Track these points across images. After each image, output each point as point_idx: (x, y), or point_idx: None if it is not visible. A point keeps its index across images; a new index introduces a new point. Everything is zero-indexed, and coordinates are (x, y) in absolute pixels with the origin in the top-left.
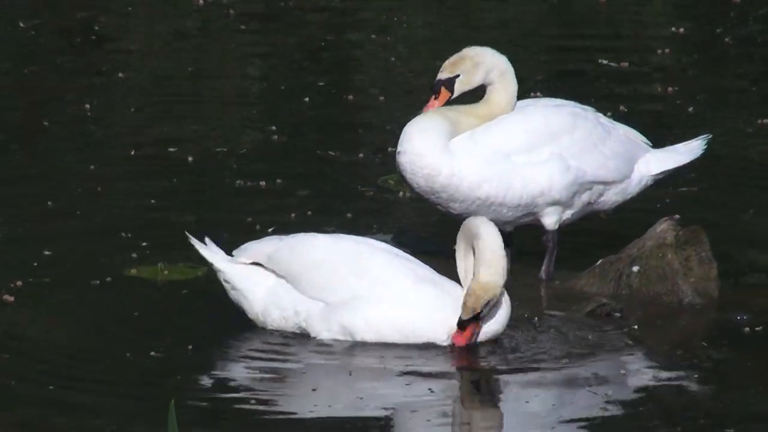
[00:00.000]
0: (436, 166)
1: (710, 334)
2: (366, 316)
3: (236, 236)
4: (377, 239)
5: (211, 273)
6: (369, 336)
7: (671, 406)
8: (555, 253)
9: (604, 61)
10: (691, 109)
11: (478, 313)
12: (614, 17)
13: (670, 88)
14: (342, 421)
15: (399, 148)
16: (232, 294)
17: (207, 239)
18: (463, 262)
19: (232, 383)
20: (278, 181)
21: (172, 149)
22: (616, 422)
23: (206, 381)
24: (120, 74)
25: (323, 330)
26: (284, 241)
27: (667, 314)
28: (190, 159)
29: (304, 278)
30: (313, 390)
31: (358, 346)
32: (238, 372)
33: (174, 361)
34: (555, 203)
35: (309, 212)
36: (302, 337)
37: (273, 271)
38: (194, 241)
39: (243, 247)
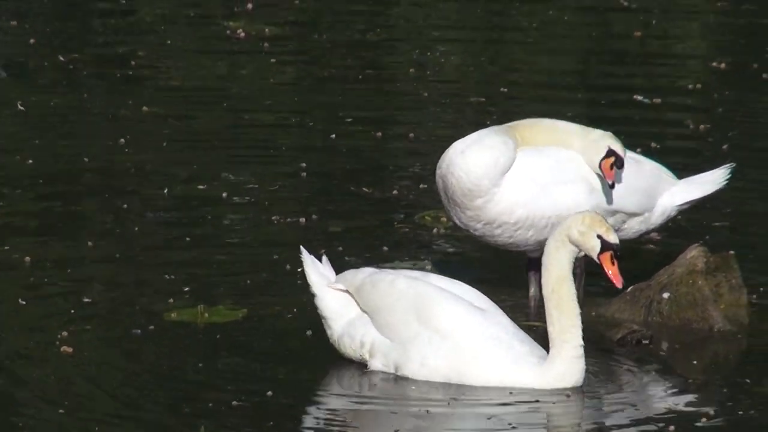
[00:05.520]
0: (482, 189)
1: (741, 361)
2: (420, 360)
3: (268, 275)
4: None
5: (251, 313)
6: (420, 376)
7: None
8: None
9: (639, 97)
10: (725, 146)
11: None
12: (650, 52)
13: (702, 126)
14: None
15: (461, 151)
16: (321, 316)
17: (324, 258)
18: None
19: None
20: (314, 217)
21: (201, 186)
22: None
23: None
24: (153, 109)
25: (378, 363)
26: (371, 276)
27: (698, 341)
28: (224, 195)
29: (379, 316)
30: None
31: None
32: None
33: (250, 410)
34: None
35: (340, 248)
36: (360, 375)
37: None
38: (305, 258)
39: (342, 274)
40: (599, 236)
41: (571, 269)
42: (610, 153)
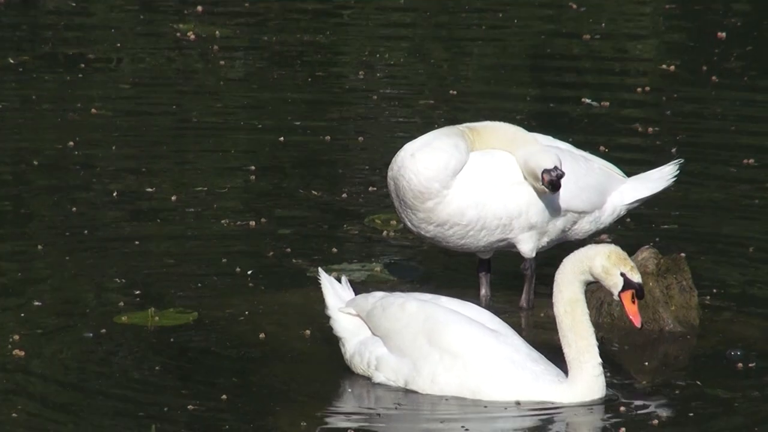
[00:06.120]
0: (433, 191)
1: (691, 362)
2: (431, 377)
3: (219, 278)
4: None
5: (201, 316)
6: (430, 392)
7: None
8: (534, 281)
9: (587, 100)
10: (673, 149)
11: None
12: (599, 55)
13: (651, 128)
14: None
15: (411, 154)
16: (336, 336)
17: (344, 278)
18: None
19: None
20: (263, 220)
21: (151, 189)
22: None
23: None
24: (103, 111)
25: (387, 378)
26: (381, 300)
27: (649, 342)
28: (173, 198)
29: (390, 340)
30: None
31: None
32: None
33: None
34: (531, 228)
35: (288, 250)
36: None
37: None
38: (324, 279)
39: (353, 298)
40: (623, 274)
41: (583, 292)
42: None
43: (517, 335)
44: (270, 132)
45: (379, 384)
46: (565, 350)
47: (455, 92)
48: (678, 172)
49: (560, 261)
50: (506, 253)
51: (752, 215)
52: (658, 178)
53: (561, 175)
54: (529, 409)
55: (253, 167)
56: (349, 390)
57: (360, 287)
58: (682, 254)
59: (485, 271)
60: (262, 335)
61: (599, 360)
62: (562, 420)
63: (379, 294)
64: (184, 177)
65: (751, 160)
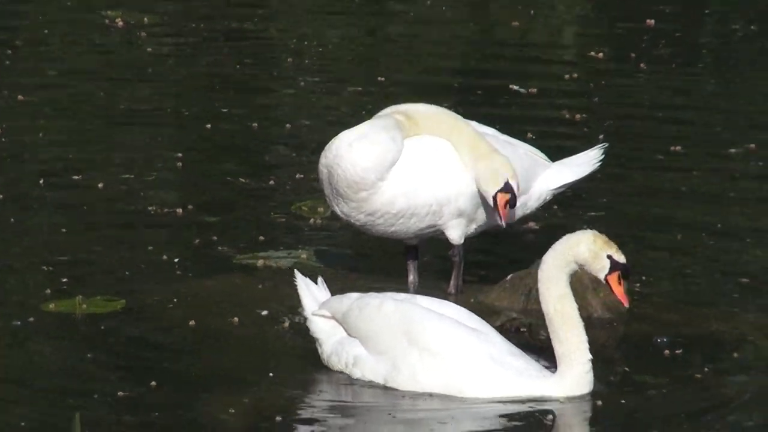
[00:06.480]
0: (368, 183)
1: (619, 349)
2: (411, 375)
3: (146, 266)
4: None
5: (129, 304)
6: (410, 387)
7: (577, 419)
8: (462, 268)
9: (515, 87)
10: (601, 136)
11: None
12: (527, 42)
13: (578, 115)
14: None
15: (348, 143)
16: (312, 337)
17: (320, 279)
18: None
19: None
20: (189, 207)
21: (77, 176)
22: None
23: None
24: (30, 98)
25: (367, 372)
26: (357, 301)
27: None
28: (100, 185)
29: (368, 341)
30: None
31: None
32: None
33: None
34: (460, 215)
35: (214, 237)
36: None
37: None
38: (299, 281)
39: (327, 300)
40: (609, 257)
41: (569, 286)
42: (508, 188)
43: (497, 332)
44: (197, 119)
45: (315, 370)
46: (555, 346)
47: (383, 79)
48: (603, 156)
49: (489, 247)
50: (434, 239)
51: (679, 202)
52: (584, 162)
53: (514, 202)
54: (512, 403)
55: (180, 154)
56: (277, 376)
57: (288, 274)
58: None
59: (413, 258)
60: (192, 322)
61: (590, 356)
62: (547, 414)
63: (353, 295)
64: (111, 164)
65: (678, 147)
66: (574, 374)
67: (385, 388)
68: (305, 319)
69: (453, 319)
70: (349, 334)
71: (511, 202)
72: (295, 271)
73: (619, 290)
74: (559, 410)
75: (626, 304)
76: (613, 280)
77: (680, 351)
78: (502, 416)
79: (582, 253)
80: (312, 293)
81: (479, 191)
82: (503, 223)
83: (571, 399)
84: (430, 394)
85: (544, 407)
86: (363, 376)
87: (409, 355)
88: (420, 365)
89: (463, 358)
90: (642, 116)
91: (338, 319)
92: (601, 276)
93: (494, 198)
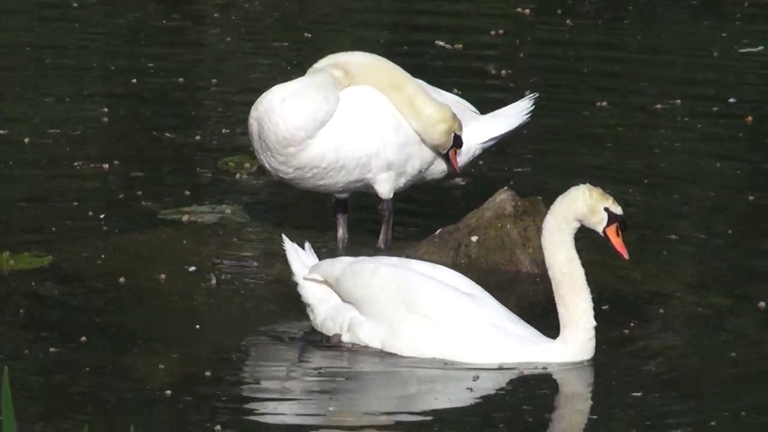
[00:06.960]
0: (298, 139)
1: (547, 304)
2: (409, 342)
3: (73, 222)
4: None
5: (57, 260)
6: (409, 353)
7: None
8: (391, 222)
9: (441, 43)
10: (527, 92)
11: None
12: None
13: (504, 71)
14: None
15: (282, 99)
16: (304, 302)
17: (307, 245)
18: None
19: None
20: (116, 162)
21: (3, 131)
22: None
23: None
24: None
25: (364, 338)
26: (351, 266)
27: (506, 283)
28: (26, 140)
29: (364, 305)
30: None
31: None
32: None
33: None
34: (388, 167)
35: (139, 192)
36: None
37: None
38: (287, 246)
39: (318, 263)
40: (606, 209)
41: (574, 247)
42: (459, 143)
43: (493, 298)
44: (123, 73)
45: (243, 326)
46: (560, 310)
47: (309, 35)
48: (533, 106)
49: (418, 202)
50: (363, 193)
51: (605, 157)
52: (514, 114)
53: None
54: (514, 370)
55: (106, 109)
56: (205, 332)
57: (212, 229)
58: (539, 197)
59: (342, 212)
60: (121, 279)
61: (594, 323)
62: (548, 380)
63: (346, 260)
64: (37, 119)
65: (605, 103)
66: (578, 340)
67: (377, 353)
68: (296, 284)
69: (450, 285)
70: (343, 300)
71: (461, 149)
72: (283, 236)
73: (618, 242)
74: (559, 376)
75: (626, 256)
76: (612, 232)
77: (606, 307)
78: (503, 383)
79: (580, 209)
80: (300, 258)
81: (418, 143)
82: (455, 170)
83: (572, 364)
84: (431, 360)
85: (545, 372)
86: (359, 341)
87: (407, 322)
88: (419, 332)
89: (463, 325)
90: (568, 71)
91: (330, 284)
92: (599, 229)
93: (448, 155)
